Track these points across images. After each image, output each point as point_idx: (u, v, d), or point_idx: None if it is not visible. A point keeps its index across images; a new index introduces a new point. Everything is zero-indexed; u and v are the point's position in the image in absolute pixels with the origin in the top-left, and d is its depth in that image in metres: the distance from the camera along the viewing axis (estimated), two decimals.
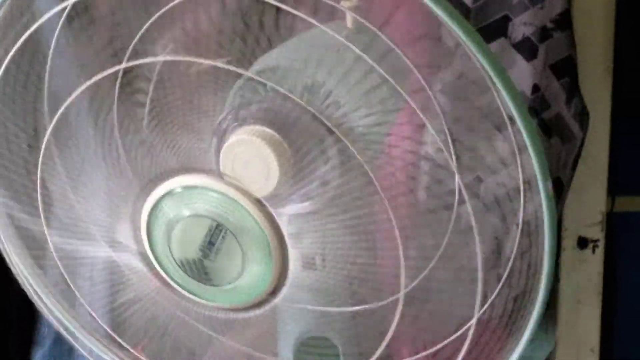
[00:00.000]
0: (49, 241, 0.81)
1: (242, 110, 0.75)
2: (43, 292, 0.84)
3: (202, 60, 0.69)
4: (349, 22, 0.75)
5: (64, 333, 0.85)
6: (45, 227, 0.81)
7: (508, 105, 0.62)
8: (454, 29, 0.61)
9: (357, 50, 0.66)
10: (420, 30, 0.75)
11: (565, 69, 1.35)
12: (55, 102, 0.76)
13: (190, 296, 0.77)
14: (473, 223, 0.68)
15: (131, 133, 0.77)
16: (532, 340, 0.71)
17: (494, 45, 1.28)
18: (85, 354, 0.87)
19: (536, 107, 1.31)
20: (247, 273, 0.74)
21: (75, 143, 0.79)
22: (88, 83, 0.72)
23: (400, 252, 0.71)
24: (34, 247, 0.83)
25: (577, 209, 1.49)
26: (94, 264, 0.83)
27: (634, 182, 1.69)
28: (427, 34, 0.75)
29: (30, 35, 0.72)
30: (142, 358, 0.85)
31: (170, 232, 0.74)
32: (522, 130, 0.62)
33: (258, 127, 0.73)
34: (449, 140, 0.69)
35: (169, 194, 0.74)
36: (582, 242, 1.52)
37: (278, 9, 0.68)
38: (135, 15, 0.73)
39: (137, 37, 0.73)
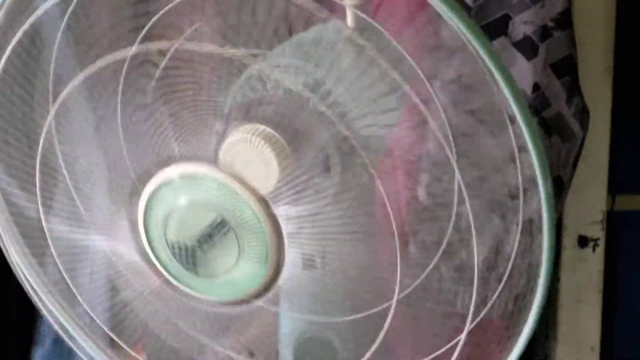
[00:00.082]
0: (48, 236, 0.81)
1: (242, 109, 0.75)
2: (42, 292, 0.84)
3: (219, 50, 0.69)
4: (349, 20, 0.75)
5: (62, 334, 0.85)
6: (44, 221, 0.81)
7: (509, 103, 0.62)
8: (457, 24, 0.61)
9: (362, 42, 0.66)
10: (420, 29, 0.75)
11: (566, 68, 1.35)
12: (57, 89, 0.76)
13: (182, 287, 0.77)
14: (472, 222, 0.68)
15: (134, 120, 0.77)
16: None
17: (495, 44, 1.28)
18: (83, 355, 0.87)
19: (536, 105, 1.32)
20: (239, 269, 0.74)
21: (74, 132, 0.79)
22: (99, 64, 0.71)
23: (398, 254, 0.71)
24: (34, 244, 0.83)
25: (578, 208, 1.49)
26: (93, 260, 0.83)
27: (634, 181, 1.69)
28: (427, 33, 0.75)
29: (35, 23, 0.72)
30: (140, 358, 0.84)
31: (169, 215, 0.74)
32: (523, 128, 0.62)
33: (258, 126, 0.73)
34: (450, 138, 0.69)
35: (168, 182, 0.74)
36: (583, 241, 1.52)
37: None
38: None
39: (148, 25, 0.73)
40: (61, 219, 0.82)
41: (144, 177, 0.74)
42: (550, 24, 1.32)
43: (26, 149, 0.80)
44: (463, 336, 0.73)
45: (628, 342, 1.77)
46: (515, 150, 0.67)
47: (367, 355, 0.77)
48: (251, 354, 0.84)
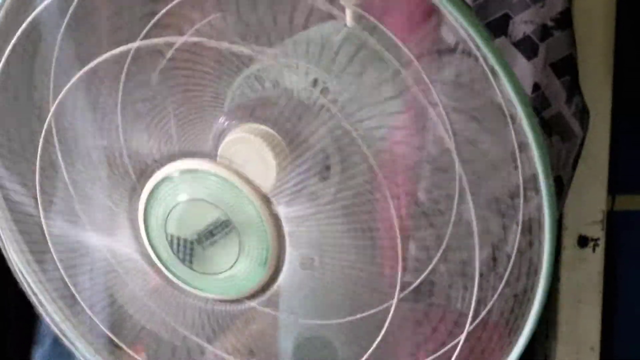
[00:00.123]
0: (47, 233, 0.81)
1: (241, 108, 0.75)
2: (39, 290, 0.84)
3: (224, 45, 0.69)
4: (348, 19, 0.75)
5: (61, 336, 0.85)
6: (44, 219, 0.81)
7: (511, 100, 0.62)
8: (458, 19, 0.60)
9: (363, 40, 0.66)
10: (420, 28, 0.75)
11: (566, 68, 1.35)
12: (57, 86, 0.76)
13: (182, 284, 0.77)
14: (473, 222, 0.68)
15: (134, 116, 0.77)
16: None
17: None
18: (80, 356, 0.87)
19: (536, 105, 1.32)
20: (239, 268, 0.74)
21: (73, 129, 0.79)
22: (101, 58, 0.71)
23: (399, 253, 0.71)
24: (33, 242, 0.83)
25: (578, 208, 1.50)
26: (93, 258, 0.83)
27: (634, 181, 1.69)
28: (427, 31, 0.74)
29: (35, 21, 0.72)
30: (140, 358, 0.84)
31: (170, 211, 0.73)
32: (525, 126, 0.61)
33: (256, 125, 0.73)
34: (451, 136, 0.69)
35: (168, 178, 0.74)
36: (583, 241, 1.52)
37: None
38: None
39: (153, 21, 0.73)
40: (60, 216, 0.82)
41: (144, 174, 0.74)
42: (550, 23, 1.32)
43: (27, 146, 0.79)
44: (463, 337, 0.73)
45: (628, 342, 1.77)
46: (516, 148, 0.67)
47: (366, 355, 0.77)
48: (251, 354, 0.84)
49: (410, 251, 0.78)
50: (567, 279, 1.52)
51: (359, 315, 0.79)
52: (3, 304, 1.54)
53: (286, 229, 0.72)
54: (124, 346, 0.83)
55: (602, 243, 1.52)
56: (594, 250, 1.52)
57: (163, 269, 0.76)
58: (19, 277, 0.83)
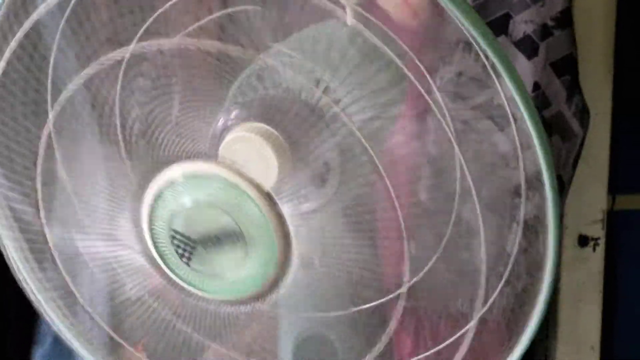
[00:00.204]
0: (48, 238, 0.81)
1: (241, 107, 0.75)
2: (37, 289, 0.83)
3: (217, 48, 0.69)
4: (349, 19, 0.75)
5: (62, 335, 0.85)
6: (45, 224, 0.81)
7: (513, 98, 0.62)
8: (459, 17, 0.60)
9: (363, 39, 0.66)
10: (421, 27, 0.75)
11: (566, 67, 1.35)
12: (56, 92, 0.76)
13: (186, 286, 0.77)
14: (480, 220, 0.68)
15: (133, 119, 0.76)
16: None
17: None
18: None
19: (537, 105, 1.32)
20: (242, 272, 0.74)
21: (73, 134, 0.79)
22: (98, 65, 0.71)
23: (405, 245, 0.71)
24: (35, 245, 0.83)
25: (578, 207, 1.50)
26: (94, 260, 0.83)
27: (634, 181, 1.69)
28: (427, 30, 0.74)
29: (32, 28, 0.72)
30: (141, 358, 0.84)
31: (176, 214, 0.73)
32: (528, 123, 0.61)
33: (257, 124, 0.73)
34: (452, 134, 0.69)
35: (172, 182, 0.73)
36: (583, 240, 1.52)
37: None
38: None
39: (146, 24, 0.73)
40: (61, 223, 0.82)
41: (147, 178, 0.74)
42: (551, 23, 1.32)
43: (26, 153, 0.79)
44: (468, 337, 0.73)
45: (628, 342, 1.77)
46: (519, 147, 0.67)
47: (369, 355, 0.77)
48: (252, 352, 0.84)
49: (410, 251, 0.78)
50: (567, 279, 1.52)
51: (359, 308, 0.79)
52: (3, 304, 1.54)
53: (291, 227, 0.72)
54: (124, 343, 0.83)
55: (602, 242, 1.52)
56: (594, 249, 1.52)
57: (168, 271, 0.76)
58: (18, 275, 0.83)
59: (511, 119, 0.65)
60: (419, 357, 0.80)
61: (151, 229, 0.75)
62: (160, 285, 0.79)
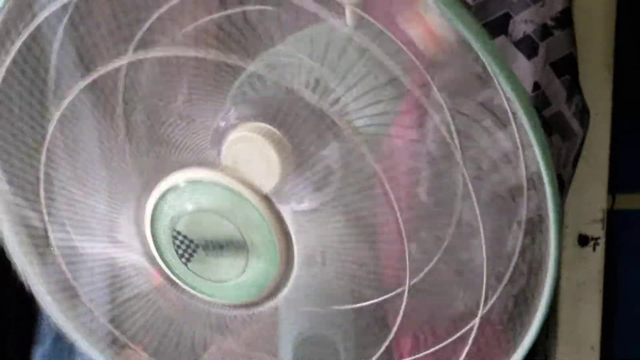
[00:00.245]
0: (51, 238, 0.81)
1: (242, 107, 0.75)
2: (40, 285, 0.83)
3: (208, 55, 0.69)
4: (348, 19, 0.75)
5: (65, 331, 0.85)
6: (48, 223, 0.81)
7: (511, 99, 0.62)
8: (453, 19, 0.60)
9: (363, 39, 0.66)
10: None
11: (566, 67, 1.35)
12: (60, 94, 0.76)
13: (187, 288, 0.77)
14: (479, 221, 0.68)
15: (134, 124, 0.77)
16: None
17: None
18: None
19: (537, 105, 1.32)
20: (244, 278, 0.74)
21: (77, 137, 0.79)
22: (99, 72, 0.71)
23: (406, 244, 0.71)
24: (38, 243, 0.83)
25: (578, 207, 1.50)
26: (95, 261, 0.83)
27: (634, 180, 1.69)
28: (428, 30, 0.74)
29: (35, 30, 0.72)
30: (142, 357, 0.84)
31: (179, 218, 0.73)
32: (526, 124, 0.61)
33: (258, 124, 0.73)
34: (453, 133, 0.69)
35: (174, 187, 0.74)
36: (583, 240, 1.52)
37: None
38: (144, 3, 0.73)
39: (145, 27, 0.73)
40: (63, 225, 0.82)
41: (150, 179, 0.74)
42: (551, 22, 1.32)
43: (26, 158, 0.79)
44: (469, 337, 0.73)
45: (628, 342, 1.77)
46: (519, 147, 0.67)
47: (369, 357, 0.77)
48: (253, 350, 0.84)
49: (410, 252, 0.78)
50: (567, 278, 1.52)
51: (359, 305, 0.79)
52: (3, 304, 1.54)
53: (291, 227, 0.72)
54: (126, 340, 0.84)
55: (602, 242, 1.52)
56: (594, 249, 1.52)
57: (169, 273, 0.76)
58: (20, 270, 0.83)
59: (511, 118, 0.65)
60: (419, 356, 0.80)
61: (152, 229, 0.75)
62: (162, 285, 0.79)
